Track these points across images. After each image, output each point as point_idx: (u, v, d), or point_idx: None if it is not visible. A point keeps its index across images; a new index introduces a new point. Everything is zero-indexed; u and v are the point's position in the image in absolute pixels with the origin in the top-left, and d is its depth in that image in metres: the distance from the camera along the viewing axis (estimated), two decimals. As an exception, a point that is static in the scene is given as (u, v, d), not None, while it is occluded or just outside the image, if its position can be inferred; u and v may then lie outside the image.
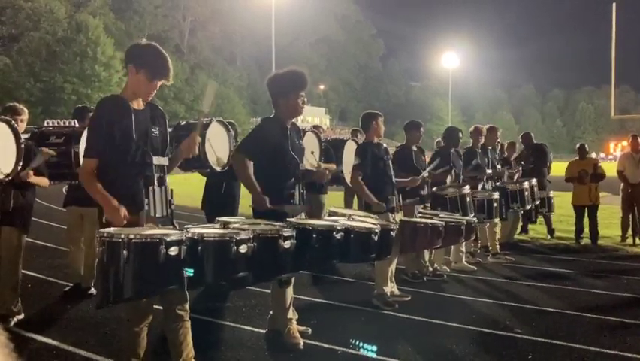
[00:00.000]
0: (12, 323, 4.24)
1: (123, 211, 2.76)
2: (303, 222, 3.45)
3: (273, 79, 3.93)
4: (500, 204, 6.73)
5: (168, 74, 2.98)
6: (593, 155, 8.91)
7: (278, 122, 3.87)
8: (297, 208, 3.82)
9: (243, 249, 2.81)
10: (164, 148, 3.08)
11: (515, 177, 8.05)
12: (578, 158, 8.99)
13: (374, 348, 3.81)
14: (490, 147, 7.49)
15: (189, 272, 2.66)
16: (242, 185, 5.70)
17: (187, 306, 3.06)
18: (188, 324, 3.07)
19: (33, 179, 4.29)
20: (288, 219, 3.50)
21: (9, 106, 4.58)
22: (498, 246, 7.35)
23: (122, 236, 2.50)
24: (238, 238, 2.81)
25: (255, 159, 3.80)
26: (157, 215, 2.95)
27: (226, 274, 2.89)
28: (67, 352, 3.76)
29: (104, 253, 2.53)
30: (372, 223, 3.81)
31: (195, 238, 2.76)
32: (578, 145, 9.31)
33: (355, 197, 7.82)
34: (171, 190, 3.06)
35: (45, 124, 5.34)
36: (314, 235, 3.29)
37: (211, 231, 2.91)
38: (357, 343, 3.90)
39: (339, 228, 3.43)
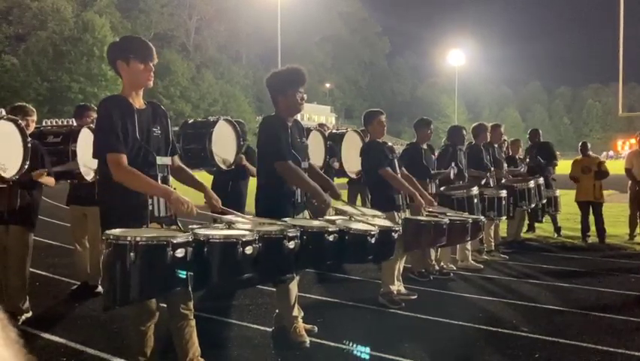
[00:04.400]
0: (20, 321, 4.26)
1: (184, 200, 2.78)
2: (297, 223, 3.40)
3: (271, 77, 3.91)
4: (508, 203, 6.72)
5: (154, 53, 2.99)
6: (604, 154, 8.87)
7: (278, 120, 3.85)
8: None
9: (248, 250, 2.80)
10: (166, 147, 3.07)
11: (521, 170, 8.04)
12: (581, 156, 8.96)
13: (380, 346, 3.80)
14: (496, 145, 7.48)
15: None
16: (248, 184, 5.77)
17: (191, 305, 3.07)
18: (193, 323, 3.08)
19: (43, 178, 4.31)
20: (283, 219, 3.48)
21: (19, 106, 4.59)
22: (493, 243, 7.35)
23: (129, 238, 2.49)
24: (244, 240, 2.80)
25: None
26: (160, 215, 2.94)
27: (232, 275, 2.88)
28: (74, 350, 3.78)
29: (110, 255, 2.52)
30: (372, 224, 3.75)
31: (201, 239, 2.75)
32: (580, 143, 9.27)
33: (360, 196, 7.83)
34: (175, 190, 3.06)
35: (44, 123, 5.32)
36: (305, 237, 3.24)
37: (217, 232, 2.91)
38: (363, 341, 3.89)
39: (331, 230, 3.36)
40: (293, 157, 3.78)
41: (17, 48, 45.96)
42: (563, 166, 10.14)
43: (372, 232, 3.53)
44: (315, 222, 3.58)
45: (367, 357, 3.70)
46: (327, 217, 3.88)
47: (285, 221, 3.38)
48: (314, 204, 3.86)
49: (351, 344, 3.86)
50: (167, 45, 58.51)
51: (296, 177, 3.70)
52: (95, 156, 2.89)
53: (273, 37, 39.92)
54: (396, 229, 3.89)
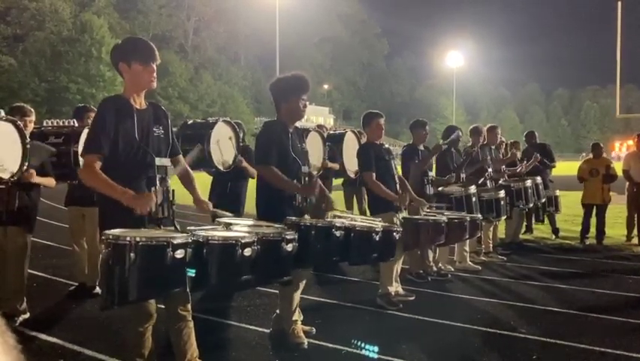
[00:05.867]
0: (18, 322, 4.26)
1: (143, 195, 2.77)
2: (303, 220, 3.43)
3: (275, 83, 3.94)
4: (505, 203, 6.73)
5: (156, 54, 2.99)
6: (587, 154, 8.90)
7: (280, 125, 3.87)
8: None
9: (247, 252, 2.79)
10: (166, 148, 3.07)
11: (518, 170, 8.04)
12: (592, 156, 8.95)
13: (378, 348, 3.81)
14: (493, 147, 7.49)
15: (191, 272, 2.65)
16: (247, 185, 5.77)
17: (189, 306, 3.07)
18: (191, 324, 3.07)
19: (38, 179, 4.30)
20: (288, 217, 3.51)
21: (17, 107, 4.58)
22: (491, 245, 7.35)
23: (129, 238, 2.49)
24: (243, 242, 2.79)
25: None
26: (159, 216, 2.94)
27: (230, 277, 2.87)
28: (72, 351, 3.78)
29: (109, 255, 2.51)
30: (375, 223, 3.79)
31: (201, 240, 2.74)
32: (591, 144, 9.25)
33: (355, 198, 7.84)
34: (173, 191, 3.06)
35: (44, 124, 5.31)
36: (313, 232, 3.27)
37: (216, 234, 2.90)
38: (361, 342, 3.90)
39: (338, 225, 3.41)
40: (292, 162, 3.79)
41: (15, 49, 45.84)
42: (561, 168, 10.15)
43: (377, 229, 3.56)
44: (321, 220, 3.60)
45: (365, 358, 3.70)
46: (329, 219, 3.88)
47: (290, 220, 3.39)
48: (314, 206, 3.88)
49: (349, 346, 3.87)
50: (166, 46, 58.39)
51: (277, 180, 3.71)
52: (83, 152, 2.92)
53: (271, 38, 39.95)
54: (398, 229, 3.91)
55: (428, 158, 6.10)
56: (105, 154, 2.82)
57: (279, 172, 3.70)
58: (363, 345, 3.86)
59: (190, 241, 2.67)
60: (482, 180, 6.94)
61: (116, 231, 2.60)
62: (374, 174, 4.91)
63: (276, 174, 3.70)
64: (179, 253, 2.57)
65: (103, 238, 2.57)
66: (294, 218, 3.51)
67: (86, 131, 4.62)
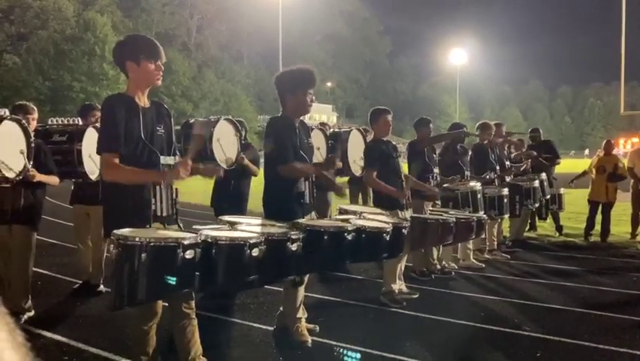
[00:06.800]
0: (22, 320, 4.27)
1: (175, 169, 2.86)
2: (314, 224, 3.36)
3: (281, 76, 3.88)
4: (514, 201, 6.71)
5: (162, 51, 2.99)
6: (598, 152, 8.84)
7: (285, 121, 3.83)
8: None
9: (255, 252, 2.79)
10: (169, 147, 3.07)
11: (523, 167, 8.01)
12: (603, 154, 8.92)
13: (382, 345, 3.81)
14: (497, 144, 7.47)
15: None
16: (250, 183, 5.77)
17: (193, 304, 3.07)
18: (195, 322, 3.08)
19: (42, 178, 4.31)
20: (298, 220, 3.45)
21: (20, 105, 4.59)
22: (495, 242, 7.34)
23: (138, 239, 2.48)
24: (252, 242, 2.79)
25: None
26: (163, 214, 2.94)
27: (238, 277, 2.86)
28: (76, 349, 3.79)
29: (119, 255, 2.49)
30: (383, 222, 3.75)
31: (209, 241, 2.74)
32: (604, 142, 9.21)
33: (360, 195, 7.83)
34: (176, 190, 3.05)
35: (49, 122, 5.30)
36: (325, 237, 3.21)
37: (225, 234, 2.90)
38: (364, 340, 3.89)
39: (350, 228, 3.34)
40: (301, 158, 3.77)
41: (19, 47, 45.97)
42: (565, 165, 10.12)
43: (388, 229, 3.52)
44: (332, 223, 3.55)
45: (368, 356, 3.70)
46: (337, 217, 3.86)
47: (300, 223, 3.35)
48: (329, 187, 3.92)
49: (352, 343, 3.87)
50: (169, 44, 58.41)
51: (297, 172, 3.72)
52: (99, 151, 2.89)
53: (274, 36, 39.92)
54: (406, 225, 3.87)
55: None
56: (122, 153, 2.80)
57: (298, 164, 3.70)
58: (366, 343, 3.86)
59: (199, 241, 2.66)
60: (489, 178, 6.92)
61: (125, 231, 2.59)
62: (375, 172, 4.91)
63: (296, 168, 3.70)
64: (189, 254, 2.56)
65: (112, 237, 2.55)
66: (303, 221, 3.45)
67: (89, 129, 4.65)
